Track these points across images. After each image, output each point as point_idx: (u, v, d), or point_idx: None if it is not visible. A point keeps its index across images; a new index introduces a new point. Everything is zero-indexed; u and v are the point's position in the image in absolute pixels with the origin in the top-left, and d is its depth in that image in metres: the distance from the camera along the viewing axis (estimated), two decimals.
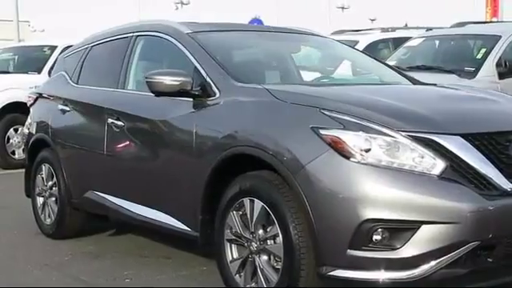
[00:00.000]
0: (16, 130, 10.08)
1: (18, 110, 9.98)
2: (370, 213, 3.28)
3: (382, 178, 3.30)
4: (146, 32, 5.11)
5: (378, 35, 11.63)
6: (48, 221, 5.91)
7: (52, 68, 10.34)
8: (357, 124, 3.41)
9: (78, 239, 5.79)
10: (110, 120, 4.94)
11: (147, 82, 4.26)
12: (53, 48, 10.82)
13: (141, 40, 5.10)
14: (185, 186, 4.22)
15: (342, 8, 52.35)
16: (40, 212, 5.99)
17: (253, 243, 3.76)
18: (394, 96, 3.97)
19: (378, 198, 3.28)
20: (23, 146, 10.07)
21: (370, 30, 12.83)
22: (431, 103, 3.84)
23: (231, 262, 3.91)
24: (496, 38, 8.54)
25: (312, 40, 5.33)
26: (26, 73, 10.59)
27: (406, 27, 13.59)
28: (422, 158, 3.33)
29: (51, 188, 5.85)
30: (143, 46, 5.08)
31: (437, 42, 9.61)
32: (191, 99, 4.26)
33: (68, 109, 5.59)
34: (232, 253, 3.92)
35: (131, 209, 4.76)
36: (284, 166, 3.52)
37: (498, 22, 16.90)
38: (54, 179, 5.77)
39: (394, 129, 3.37)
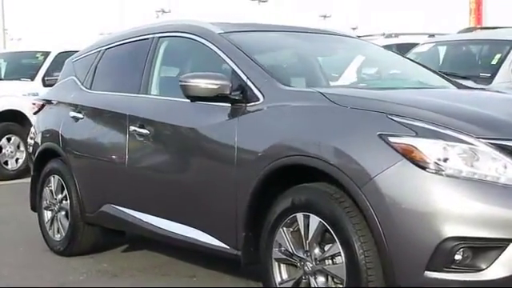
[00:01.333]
0: (9, 140, 9.62)
1: (12, 118, 9.57)
2: (451, 230, 2.93)
3: (463, 191, 2.95)
4: (170, 33, 4.73)
5: (381, 41, 11.31)
6: (57, 237, 5.49)
7: (46, 74, 10.03)
8: (432, 131, 3.06)
9: (89, 256, 5.39)
10: (132, 128, 4.55)
11: (181, 85, 3.89)
12: (46, 54, 10.41)
13: (164, 41, 4.72)
14: (224, 199, 3.84)
15: (324, 16, 52.34)
16: (48, 227, 5.58)
17: (307, 263, 3.39)
18: (463, 100, 3.64)
19: (460, 213, 2.93)
20: (16, 156, 9.68)
21: (371, 35, 12.51)
22: (505, 108, 3.50)
23: (281, 283, 3.54)
24: (511, 44, 8.28)
25: (347, 42, 4.99)
26: (19, 79, 10.14)
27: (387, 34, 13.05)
28: (505, 167, 2.99)
29: (61, 201, 5.44)
30: (167, 48, 4.70)
31: (447, 48, 9.32)
32: (229, 104, 3.90)
33: (81, 116, 5.19)
34: (281, 273, 3.55)
35: (157, 224, 4.36)
36: (348, 178, 3.16)
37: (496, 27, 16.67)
38: (65, 192, 5.36)
39: (473, 136, 3.03)
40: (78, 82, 5.49)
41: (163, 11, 49.23)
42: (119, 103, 4.82)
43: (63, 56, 10.48)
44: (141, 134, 4.48)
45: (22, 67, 10.67)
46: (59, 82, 5.89)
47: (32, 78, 10.06)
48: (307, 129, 3.44)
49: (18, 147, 9.69)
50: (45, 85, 9.93)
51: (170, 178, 4.26)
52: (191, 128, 4.11)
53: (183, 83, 3.88)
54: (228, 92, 3.83)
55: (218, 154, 3.90)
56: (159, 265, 5.10)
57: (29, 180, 9.22)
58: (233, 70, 4.00)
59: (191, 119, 4.13)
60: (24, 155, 9.66)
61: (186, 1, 45.27)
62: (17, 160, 9.68)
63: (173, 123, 4.27)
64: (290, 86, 3.80)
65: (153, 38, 4.79)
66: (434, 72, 4.85)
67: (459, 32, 9.92)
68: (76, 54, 5.86)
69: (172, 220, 4.25)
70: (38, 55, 10.49)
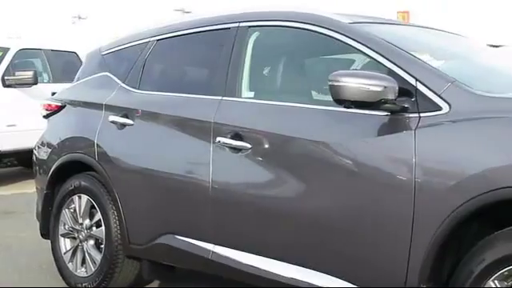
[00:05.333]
0: None
1: None
2: None
3: None
4: (265, 21, 3.75)
5: None
6: (82, 272, 4.38)
7: (6, 73, 8.75)
8: None
9: None
10: (219, 139, 3.54)
11: (331, 85, 2.93)
12: (5, 50, 9.11)
13: (254, 32, 3.73)
14: (387, 241, 2.90)
15: None
16: (67, 259, 4.46)
17: None
18: None
19: None
20: None
21: None
22: None
23: None
24: None
25: (471, 42, 4.17)
26: None
27: None
28: None
29: (90, 228, 4.34)
30: (262, 41, 3.72)
31: None
32: (384, 113, 2.98)
33: (130, 122, 4.11)
34: None
35: (263, 267, 3.34)
36: None
37: None
38: (97, 216, 4.27)
39: None
40: (116, 79, 4.40)
41: (80, 17, 47.40)
42: (194, 107, 3.79)
43: (24, 53, 9.36)
44: (235, 148, 3.47)
45: None
46: (84, 78, 4.75)
47: None
48: None
49: None
50: (4, 85, 8.71)
51: (291, 207, 3.24)
52: (330, 143, 3.13)
53: (335, 83, 2.92)
54: (393, 97, 2.91)
55: (380, 181, 2.93)
56: None
57: None
58: (389, 69, 3.08)
59: (329, 131, 3.17)
60: None
61: (101, 8, 43.56)
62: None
63: (296, 136, 3.27)
64: (486, 92, 2.90)
65: (237, 27, 3.79)
66: None
67: None
68: (105, 46, 4.74)
69: (289, 262, 3.26)
70: None
